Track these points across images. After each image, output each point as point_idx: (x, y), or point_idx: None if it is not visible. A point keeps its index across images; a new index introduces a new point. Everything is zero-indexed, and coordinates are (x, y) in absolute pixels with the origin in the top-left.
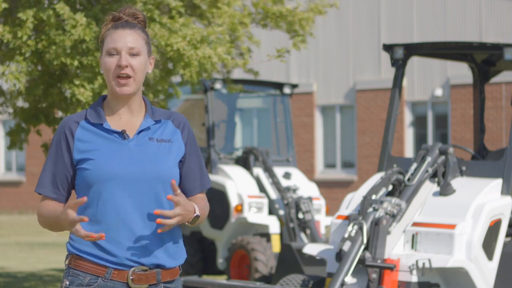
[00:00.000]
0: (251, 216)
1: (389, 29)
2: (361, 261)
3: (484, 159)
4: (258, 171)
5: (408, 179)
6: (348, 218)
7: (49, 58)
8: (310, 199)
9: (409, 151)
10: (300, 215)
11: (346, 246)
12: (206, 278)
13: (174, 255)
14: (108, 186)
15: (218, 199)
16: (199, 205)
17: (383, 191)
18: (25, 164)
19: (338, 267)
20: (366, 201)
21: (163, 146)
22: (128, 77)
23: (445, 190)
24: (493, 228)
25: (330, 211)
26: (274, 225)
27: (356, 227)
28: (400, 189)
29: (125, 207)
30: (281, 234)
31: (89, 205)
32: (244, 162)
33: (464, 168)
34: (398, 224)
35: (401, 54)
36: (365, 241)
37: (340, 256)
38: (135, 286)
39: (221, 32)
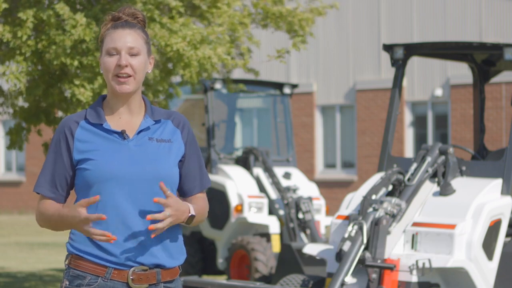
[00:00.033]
0: (251, 216)
1: (389, 29)
2: (361, 261)
3: (484, 159)
4: (258, 171)
5: (408, 179)
6: (348, 218)
7: (49, 58)
8: (310, 199)
9: (409, 151)
10: (300, 215)
11: (346, 246)
12: (206, 278)
13: (174, 255)
14: (108, 186)
15: (218, 199)
16: (197, 205)
17: (383, 191)
18: (25, 164)
19: (338, 267)
20: (366, 201)
21: (163, 146)
22: (128, 76)
23: (445, 190)
24: (493, 228)
25: (330, 211)
26: (274, 225)
27: (356, 227)
28: (400, 189)
29: (125, 207)
30: (281, 234)
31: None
32: (244, 162)
33: (464, 168)
34: (398, 224)
35: (401, 54)
36: (365, 241)
37: (340, 256)
38: (135, 286)
39: (221, 32)
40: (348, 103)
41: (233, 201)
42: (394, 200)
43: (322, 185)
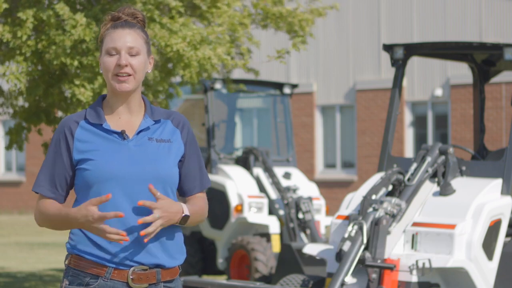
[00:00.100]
0: (251, 216)
1: (389, 29)
2: (361, 261)
3: (484, 159)
4: (258, 171)
5: (408, 179)
6: (348, 218)
7: (49, 58)
8: (310, 199)
9: (409, 151)
10: (300, 215)
11: (346, 246)
12: (206, 278)
13: (174, 254)
14: (108, 186)
15: (218, 199)
16: (195, 205)
17: (383, 191)
18: (25, 164)
19: (338, 267)
20: (366, 201)
21: (163, 146)
22: (128, 75)
23: (445, 190)
24: (493, 228)
25: (330, 211)
26: (274, 225)
27: (356, 227)
28: (400, 189)
29: (125, 207)
30: (281, 234)
31: None
32: (244, 162)
33: (464, 168)
34: (398, 224)
35: (401, 54)
36: (365, 241)
37: (340, 256)
38: (135, 285)
39: (221, 32)
40: (348, 103)
41: (233, 201)
42: (394, 200)
43: (322, 185)
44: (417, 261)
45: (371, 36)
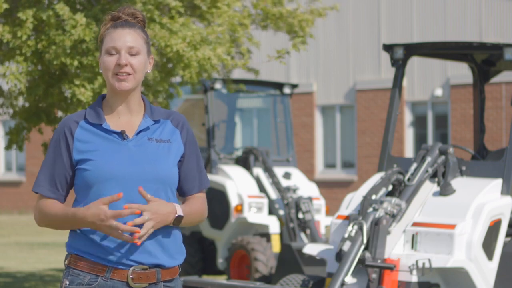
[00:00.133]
0: (251, 216)
1: (389, 29)
2: (361, 261)
3: (484, 159)
4: (258, 171)
5: (408, 179)
6: (348, 218)
7: (49, 58)
8: (310, 199)
9: (409, 151)
10: (300, 215)
11: (346, 246)
12: (206, 278)
13: (174, 254)
14: (108, 186)
15: (218, 199)
16: (192, 205)
17: (383, 191)
18: (25, 164)
19: (338, 267)
20: (366, 201)
21: (162, 146)
22: (128, 74)
23: (445, 190)
24: (493, 228)
25: (330, 211)
26: (274, 225)
27: (356, 227)
28: (400, 189)
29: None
30: (281, 234)
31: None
32: (244, 162)
33: (464, 168)
34: (398, 224)
35: (401, 54)
36: (365, 241)
37: (340, 256)
38: (135, 285)
39: (221, 31)
40: (348, 103)
41: (233, 201)
42: (394, 200)
43: (322, 185)
44: (417, 261)
45: (371, 36)
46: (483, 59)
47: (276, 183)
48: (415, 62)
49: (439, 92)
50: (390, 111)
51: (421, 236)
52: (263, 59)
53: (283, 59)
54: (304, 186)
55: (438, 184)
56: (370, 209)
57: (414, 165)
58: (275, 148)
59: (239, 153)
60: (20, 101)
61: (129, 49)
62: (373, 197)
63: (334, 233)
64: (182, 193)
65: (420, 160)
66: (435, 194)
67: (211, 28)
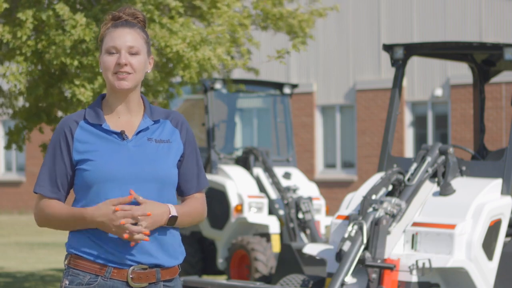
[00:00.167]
0: (251, 216)
1: (389, 29)
2: (361, 261)
3: (484, 159)
4: (258, 171)
5: (408, 179)
6: (348, 218)
7: (49, 58)
8: (310, 199)
9: (409, 151)
10: (300, 215)
11: (346, 246)
12: (206, 278)
13: (173, 254)
14: (108, 186)
15: (218, 199)
16: (186, 206)
17: (383, 191)
18: (25, 164)
19: (338, 267)
20: (366, 201)
21: (162, 146)
22: (128, 74)
23: (445, 190)
24: (493, 228)
25: (330, 211)
26: (274, 225)
27: (356, 227)
28: (400, 189)
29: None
30: (281, 234)
31: (89, 206)
32: (244, 162)
33: (464, 168)
34: (398, 224)
35: (401, 54)
36: (365, 241)
37: (340, 256)
38: (135, 284)
39: (220, 31)
40: (348, 103)
41: (233, 201)
42: (394, 200)
43: (322, 185)
44: (417, 261)
45: (371, 36)
46: (483, 59)
47: (276, 183)
48: (415, 62)
49: (439, 92)
50: (390, 111)
51: (421, 236)
52: (263, 59)
53: (283, 59)
54: (304, 186)
55: (438, 184)
56: (370, 209)
57: (414, 165)
58: (275, 148)
59: (239, 153)
60: (20, 101)
61: (129, 48)
62: (373, 197)
63: (334, 233)
64: (180, 193)
65: (420, 160)
66: (435, 194)
67: (211, 28)
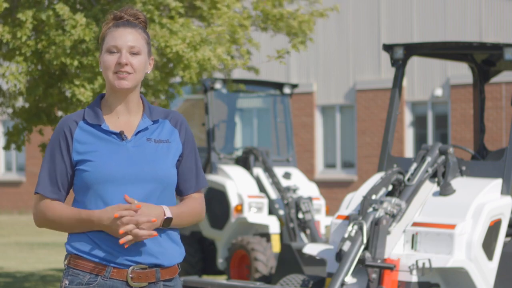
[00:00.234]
0: (251, 216)
1: (389, 29)
2: (361, 261)
3: (484, 159)
4: (258, 171)
5: (408, 179)
6: (348, 218)
7: (49, 58)
8: (310, 199)
9: (409, 151)
10: (300, 215)
11: (346, 246)
12: (206, 278)
13: (173, 254)
14: (107, 187)
15: (218, 199)
16: (182, 206)
17: (383, 191)
18: (25, 164)
19: (338, 267)
20: (366, 201)
21: (161, 146)
22: (128, 73)
23: (445, 190)
24: (493, 228)
25: (330, 211)
26: (274, 225)
27: (356, 227)
28: (400, 189)
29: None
30: (281, 234)
31: (88, 206)
32: (244, 162)
33: (464, 168)
34: (398, 224)
35: (401, 54)
36: (365, 241)
37: (340, 256)
38: (134, 284)
39: (220, 31)
40: (348, 103)
41: (233, 201)
42: (394, 200)
43: (322, 185)
44: (417, 261)
45: (371, 36)
46: (483, 59)
47: (276, 183)
48: (415, 62)
49: (439, 92)
50: (390, 111)
51: (421, 236)
52: (263, 59)
53: (283, 59)
54: (304, 186)
55: (438, 184)
56: (370, 209)
57: (414, 165)
58: (275, 148)
59: (239, 153)
60: (20, 102)
61: (130, 48)
62: (373, 197)
63: (334, 233)
64: (179, 193)
65: (420, 160)
66: (435, 194)
67: (211, 29)
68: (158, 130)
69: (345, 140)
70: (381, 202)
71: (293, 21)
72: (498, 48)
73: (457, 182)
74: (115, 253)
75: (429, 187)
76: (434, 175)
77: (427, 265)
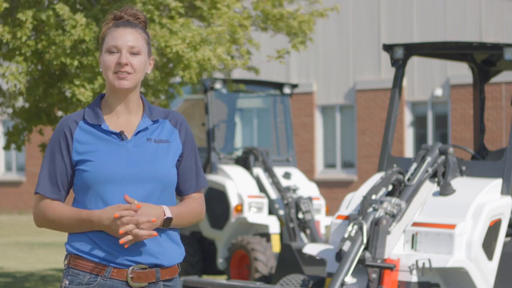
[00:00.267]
0: (251, 216)
1: (389, 29)
2: (361, 261)
3: (484, 159)
4: (258, 171)
5: (408, 179)
6: (348, 218)
7: (49, 58)
8: (310, 199)
9: (409, 151)
10: (300, 215)
11: (346, 246)
12: (206, 278)
13: (173, 254)
14: (107, 187)
15: (218, 199)
16: (182, 206)
17: (383, 191)
18: (25, 164)
19: (338, 267)
20: (366, 201)
21: (161, 147)
22: (128, 73)
23: (445, 190)
24: (493, 228)
25: (330, 211)
26: (274, 225)
27: (356, 227)
28: (400, 189)
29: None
30: (281, 234)
31: (88, 206)
32: (244, 162)
33: (464, 168)
34: (398, 224)
35: (401, 54)
36: (365, 241)
37: (340, 256)
38: (134, 284)
39: (220, 31)
40: (348, 103)
41: (233, 201)
42: (394, 200)
43: (322, 185)
44: (417, 261)
45: (371, 36)
46: (483, 59)
47: (276, 183)
48: (415, 62)
49: (439, 92)
50: (390, 111)
51: (421, 236)
52: (263, 59)
53: (283, 59)
54: (304, 186)
55: (438, 184)
56: (370, 209)
57: (414, 165)
58: (275, 148)
59: (239, 153)
60: (20, 101)
61: (130, 48)
62: (373, 197)
63: (334, 233)
64: (179, 193)
65: (420, 160)
66: (435, 194)
67: (211, 29)
68: (158, 130)
69: (345, 140)
70: (381, 202)
71: (293, 21)
72: (498, 48)
73: (457, 182)
74: (115, 253)
75: (429, 187)
76: (434, 175)
77: (427, 265)
